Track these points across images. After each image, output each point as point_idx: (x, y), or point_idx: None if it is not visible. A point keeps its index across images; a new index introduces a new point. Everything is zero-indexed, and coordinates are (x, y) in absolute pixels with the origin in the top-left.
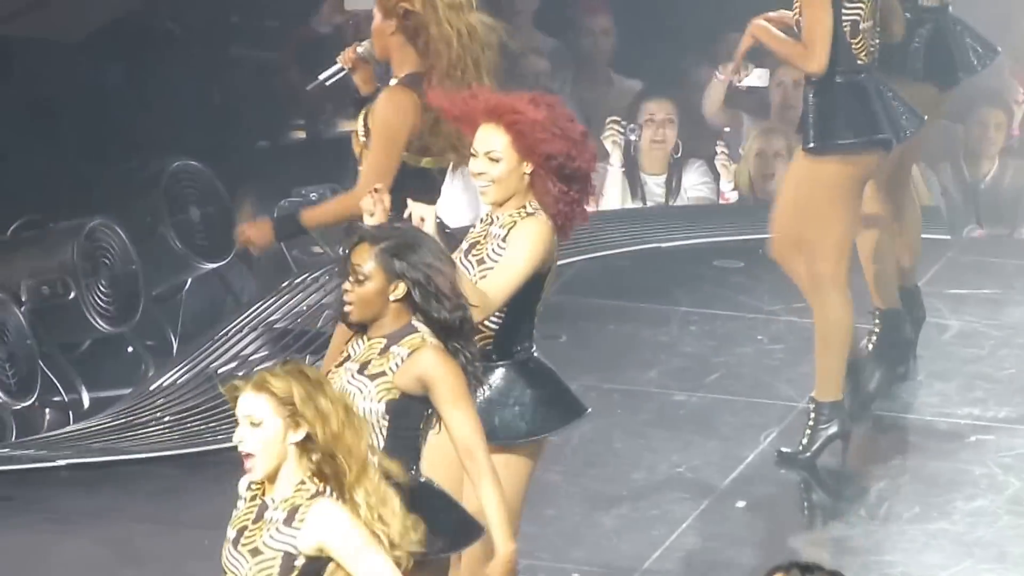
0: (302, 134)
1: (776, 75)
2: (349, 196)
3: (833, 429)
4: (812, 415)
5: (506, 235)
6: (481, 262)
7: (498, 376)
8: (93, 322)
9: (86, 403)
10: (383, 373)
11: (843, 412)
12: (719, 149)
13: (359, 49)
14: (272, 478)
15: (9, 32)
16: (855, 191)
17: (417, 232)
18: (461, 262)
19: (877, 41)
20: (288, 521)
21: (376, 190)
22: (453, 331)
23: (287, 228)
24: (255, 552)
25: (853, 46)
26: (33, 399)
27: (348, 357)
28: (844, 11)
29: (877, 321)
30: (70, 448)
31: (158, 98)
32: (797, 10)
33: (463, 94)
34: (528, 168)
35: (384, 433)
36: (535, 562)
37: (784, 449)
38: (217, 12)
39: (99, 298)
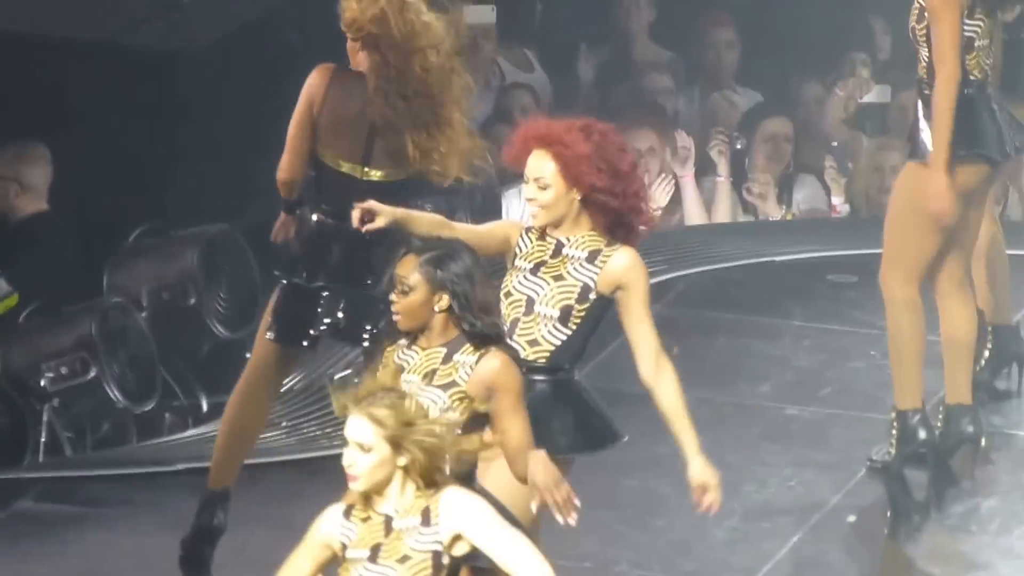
0: None
1: (899, 98)
2: None
3: (923, 435)
4: (894, 424)
5: (592, 258)
6: (560, 278)
7: (542, 391)
8: (213, 328)
9: (205, 408)
10: (454, 383)
11: (924, 421)
12: (828, 163)
13: None
14: (379, 492)
15: (134, 41)
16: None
17: (460, 245)
18: (524, 279)
19: (990, 60)
20: (425, 522)
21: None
22: (491, 340)
23: (289, 206)
24: (404, 559)
25: (967, 61)
26: (153, 403)
27: (401, 368)
28: (964, 27)
29: (990, 337)
30: (189, 452)
31: (280, 108)
32: (914, 16)
33: (519, 128)
34: (578, 195)
35: None
36: (645, 572)
37: (874, 458)
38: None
39: (219, 304)
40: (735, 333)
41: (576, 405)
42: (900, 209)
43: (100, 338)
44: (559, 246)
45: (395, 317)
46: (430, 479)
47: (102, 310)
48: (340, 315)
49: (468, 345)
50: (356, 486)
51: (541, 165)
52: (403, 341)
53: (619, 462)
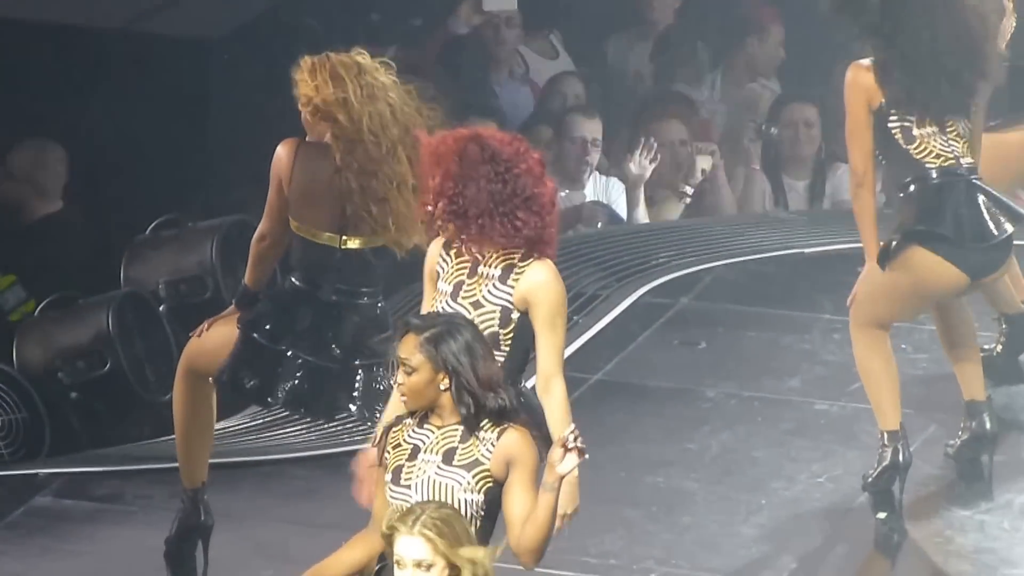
0: None
1: None
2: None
3: (887, 459)
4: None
5: (505, 276)
6: (478, 305)
7: None
8: None
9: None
10: (478, 462)
11: (899, 439)
12: None
13: None
14: None
15: (148, 29)
16: (910, 299)
17: (459, 320)
18: (446, 305)
19: (957, 143)
20: None
21: None
22: (507, 416)
23: (244, 299)
24: None
25: (913, 151)
26: (171, 397)
27: (416, 448)
28: (890, 119)
29: (1004, 326)
30: None
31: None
32: None
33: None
34: None
35: (477, 525)
36: (671, 570)
37: (866, 473)
38: (358, 10)
39: None
40: (764, 327)
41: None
42: (868, 282)
43: (117, 331)
44: (475, 264)
45: (402, 399)
46: None
47: (119, 303)
48: (300, 383)
49: (487, 421)
50: None
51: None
52: (410, 420)
53: (645, 459)
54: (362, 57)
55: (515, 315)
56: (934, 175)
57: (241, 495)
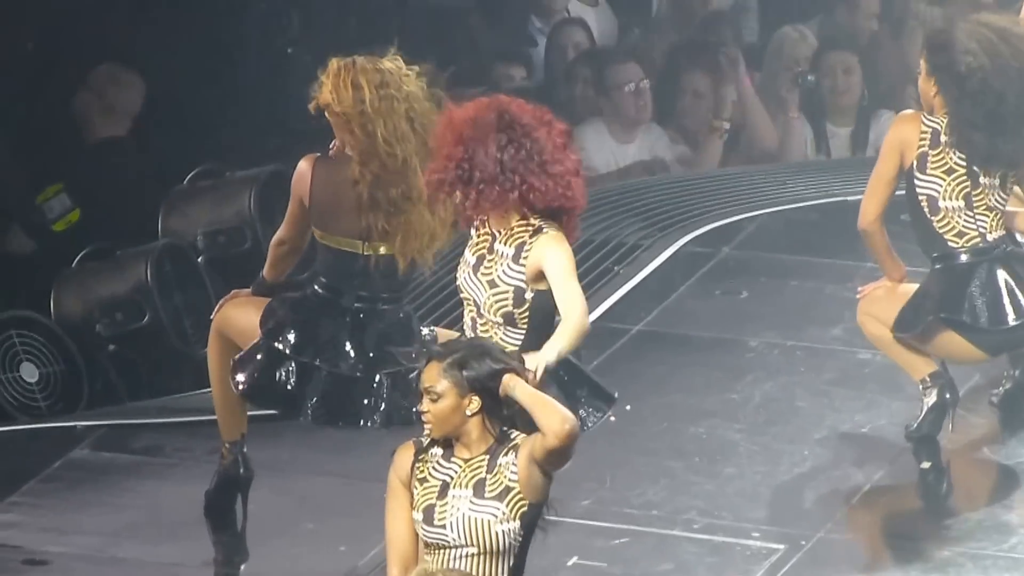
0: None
1: None
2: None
3: (933, 398)
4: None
5: (517, 256)
6: (493, 284)
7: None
8: None
9: None
10: (508, 488)
11: (943, 378)
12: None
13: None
14: None
15: None
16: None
17: (482, 342)
18: (468, 277)
19: (985, 217)
20: None
21: None
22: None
23: (262, 288)
24: None
25: (936, 224)
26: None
27: (445, 484)
28: (917, 182)
29: None
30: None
31: (335, 46)
32: None
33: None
34: None
35: (515, 551)
36: (714, 520)
37: (908, 424)
38: None
39: None
40: (806, 275)
41: (577, 382)
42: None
43: (155, 283)
44: (493, 241)
45: (426, 427)
46: None
47: (157, 254)
48: (326, 395)
49: (505, 445)
50: None
51: None
52: (435, 451)
53: (687, 410)
54: (393, 63)
55: (528, 294)
56: (960, 258)
57: (281, 448)
